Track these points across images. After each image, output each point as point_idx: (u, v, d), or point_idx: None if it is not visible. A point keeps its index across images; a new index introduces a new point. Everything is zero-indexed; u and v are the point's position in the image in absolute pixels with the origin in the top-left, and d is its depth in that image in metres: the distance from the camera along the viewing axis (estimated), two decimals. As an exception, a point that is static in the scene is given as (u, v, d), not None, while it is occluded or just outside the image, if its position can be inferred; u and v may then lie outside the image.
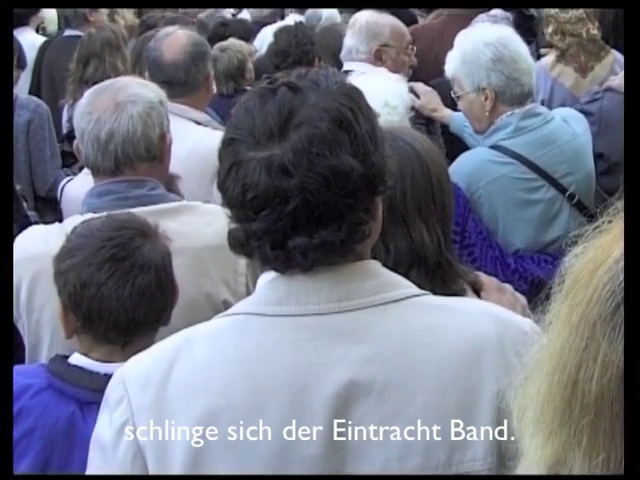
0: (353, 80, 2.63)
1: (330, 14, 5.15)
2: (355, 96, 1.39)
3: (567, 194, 3.01)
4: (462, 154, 3.12)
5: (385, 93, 2.69)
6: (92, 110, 2.32)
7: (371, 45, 3.49)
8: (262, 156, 1.31)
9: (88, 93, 2.41)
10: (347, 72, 3.14)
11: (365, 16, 3.59)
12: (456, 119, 3.37)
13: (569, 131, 3.08)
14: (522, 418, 0.92)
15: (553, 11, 4.22)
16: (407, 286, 1.44)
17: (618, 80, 3.54)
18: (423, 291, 1.45)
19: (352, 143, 1.33)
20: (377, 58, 3.49)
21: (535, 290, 2.84)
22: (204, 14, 6.01)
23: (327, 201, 1.31)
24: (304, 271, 1.36)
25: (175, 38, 3.19)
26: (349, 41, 3.55)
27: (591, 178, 3.13)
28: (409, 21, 5.36)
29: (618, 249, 0.86)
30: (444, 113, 3.43)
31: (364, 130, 1.35)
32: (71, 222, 2.22)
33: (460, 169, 2.98)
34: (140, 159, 2.32)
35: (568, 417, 0.86)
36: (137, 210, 2.20)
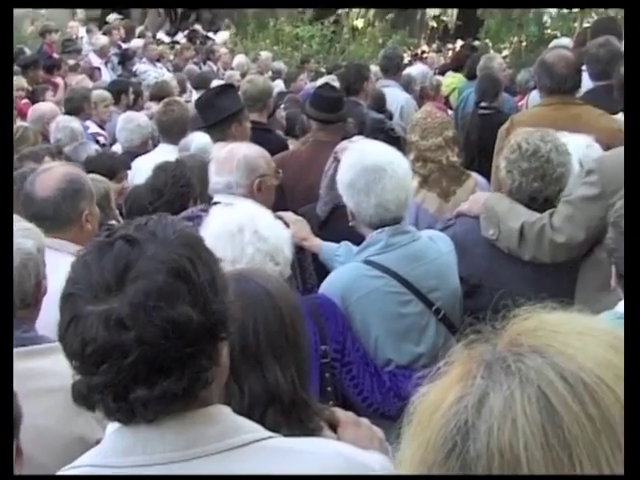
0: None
1: (202, 145, 5.14)
2: (195, 245, 1.42)
3: (434, 309, 3.10)
4: (334, 270, 3.19)
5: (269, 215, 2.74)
6: None
7: (251, 178, 3.49)
8: (100, 310, 1.32)
9: None
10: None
11: (240, 150, 3.58)
12: (326, 248, 3.40)
13: (435, 249, 3.19)
14: None
15: (414, 138, 4.36)
16: (252, 430, 1.45)
17: (467, 205, 3.64)
18: (270, 434, 1.46)
19: (190, 292, 1.35)
20: (257, 190, 3.50)
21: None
22: (69, 148, 5.93)
23: (167, 352, 1.32)
24: (147, 422, 1.36)
25: (50, 174, 3.20)
26: (227, 176, 3.49)
27: (456, 295, 3.23)
28: (280, 147, 5.47)
29: (452, 394, 0.88)
30: (314, 242, 3.45)
31: (203, 279, 1.37)
32: None
33: (333, 284, 3.06)
34: (14, 309, 2.31)
35: None
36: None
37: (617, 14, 14.83)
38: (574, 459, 0.81)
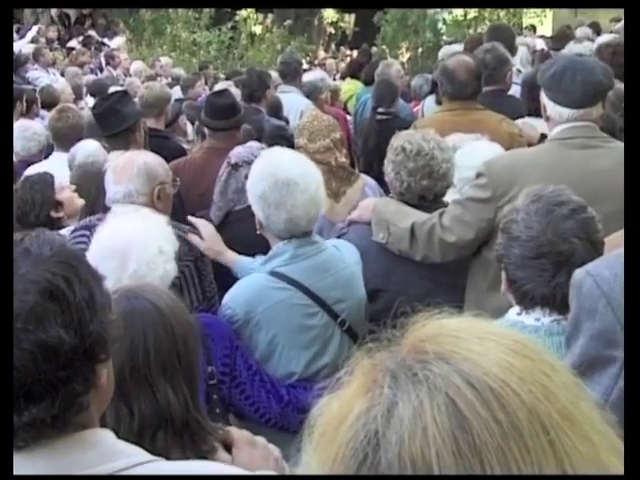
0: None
1: (90, 152, 4.99)
2: (73, 262, 1.35)
3: (339, 320, 3.07)
4: (239, 281, 3.12)
5: (159, 240, 2.63)
6: None
7: (152, 186, 3.40)
8: None
9: None
10: None
11: (140, 158, 3.46)
12: (241, 263, 3.30)
13: (342, 259, 3.17)
14: None
15: (302, 141, 4.38)
16: (131, 454, 1.38)
17: (357, 212, 3.66)
18: (151, 457, 1.39)
19: (64, 313, 1.28)
20: (157, 198, 3.41)
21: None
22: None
23: (36, 377, 1.25)
24: (16, 450, 1.29)
25: None
26: (126, 184, 3.37)
27: (361, 305, 3.21)
28: (177, 154, 5.38)
29: (358, 405, 0.86)
30: (228, 257, 3.35)
31: (79, 297, 1.30)
32: None
33: (238, 296, 3.00)
34: None
35: None
36: None
37: (510, 21, 15.20)
38: (485, 465, 0.80)
